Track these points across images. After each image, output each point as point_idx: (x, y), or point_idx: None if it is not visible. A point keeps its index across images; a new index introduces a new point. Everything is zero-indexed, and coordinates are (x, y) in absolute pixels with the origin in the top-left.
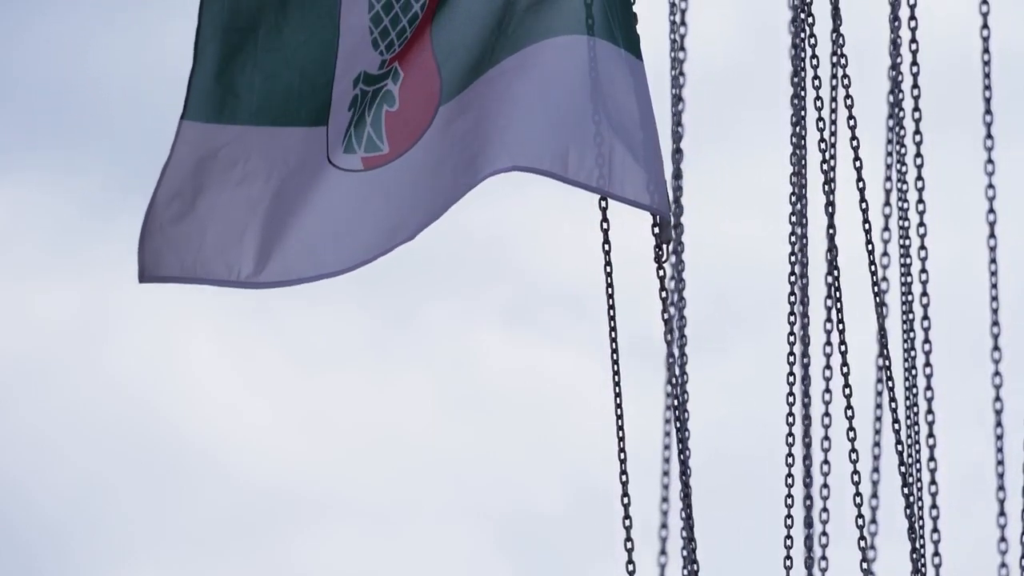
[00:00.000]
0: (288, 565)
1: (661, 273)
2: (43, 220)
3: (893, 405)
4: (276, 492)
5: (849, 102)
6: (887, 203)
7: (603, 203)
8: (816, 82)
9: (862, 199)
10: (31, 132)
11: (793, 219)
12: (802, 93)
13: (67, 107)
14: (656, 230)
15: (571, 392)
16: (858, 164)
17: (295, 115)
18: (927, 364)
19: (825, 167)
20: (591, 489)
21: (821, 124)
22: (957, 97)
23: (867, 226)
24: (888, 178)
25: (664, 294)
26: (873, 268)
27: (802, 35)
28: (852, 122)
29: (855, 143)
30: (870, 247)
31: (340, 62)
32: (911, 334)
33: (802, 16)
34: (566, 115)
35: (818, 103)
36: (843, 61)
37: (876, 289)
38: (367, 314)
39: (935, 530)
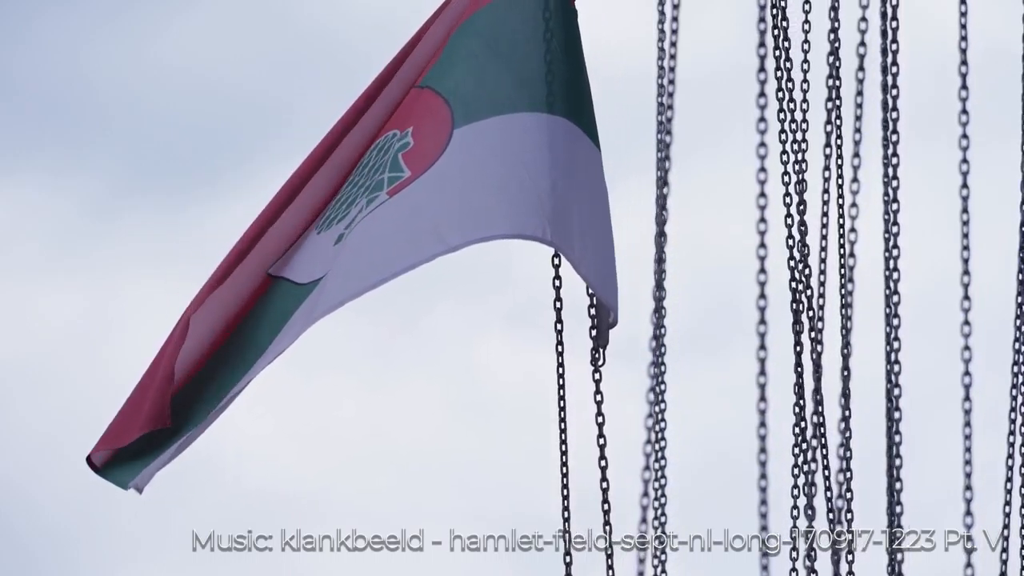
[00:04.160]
0: (291, 571)
1: (597, 376)
2: (44, 221)
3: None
4: (278, 498)
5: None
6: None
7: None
8: (780, 94)
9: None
10: (32, 133)
11: (762, 224)
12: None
13: (67, 108)
14: (594, 332)
15: (575, 398)
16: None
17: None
18: (896, 378)
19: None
20: (596, 494)
21: (786, 136)
22: (940, 99)
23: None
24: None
25: (599, 396)
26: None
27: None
28: (789, 120)
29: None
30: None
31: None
32: (889, 337)
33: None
34: (560, 194)
35: (781, 115)
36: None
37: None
38: (370, 320)
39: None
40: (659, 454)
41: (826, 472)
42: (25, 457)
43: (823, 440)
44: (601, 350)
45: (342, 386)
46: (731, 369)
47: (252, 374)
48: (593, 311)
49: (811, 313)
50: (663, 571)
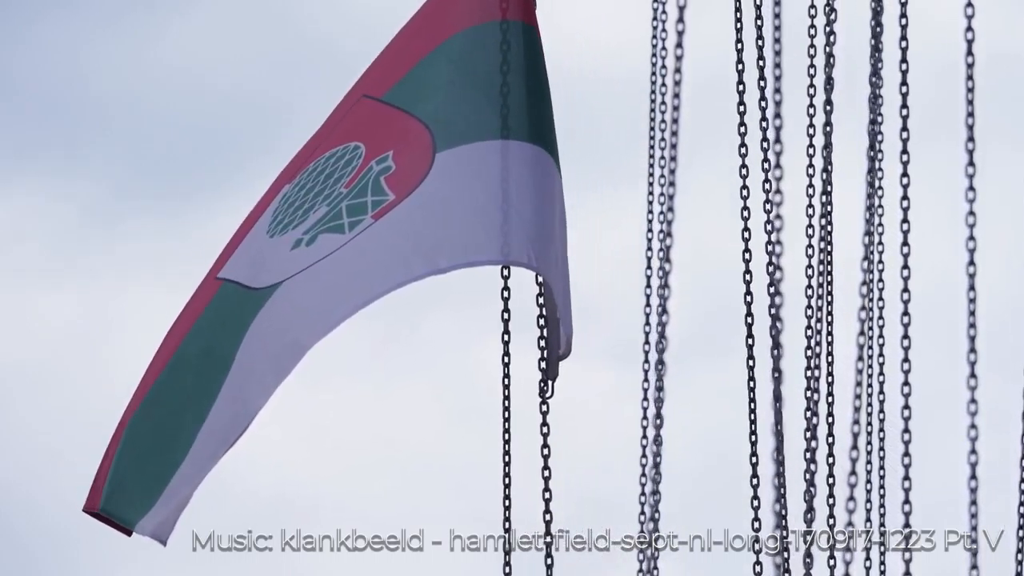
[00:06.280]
0: (291, 571)
1: (544, 408)
2: (44, 225)
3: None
4: (278, 498)
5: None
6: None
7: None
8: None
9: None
10: (32, 135)
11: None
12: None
13: (68, 110)
14: (543, 364)
15: (575, 402)
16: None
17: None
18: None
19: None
20: (596, 499)
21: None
22: (945, 102)
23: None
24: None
25: (545, 429)
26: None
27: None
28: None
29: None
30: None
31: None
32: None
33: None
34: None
35: (763, 103)
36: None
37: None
38: (370, 325)
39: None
40: (655, 457)
41: (810, 469)
42: (25, 458)
43: (811, 439)
44: (551, 382)
45: (343, 390)
46: (730, 371)
47: (256, 400)
48: (543, 343)
49: (776, 304)
50: (655, 570)
